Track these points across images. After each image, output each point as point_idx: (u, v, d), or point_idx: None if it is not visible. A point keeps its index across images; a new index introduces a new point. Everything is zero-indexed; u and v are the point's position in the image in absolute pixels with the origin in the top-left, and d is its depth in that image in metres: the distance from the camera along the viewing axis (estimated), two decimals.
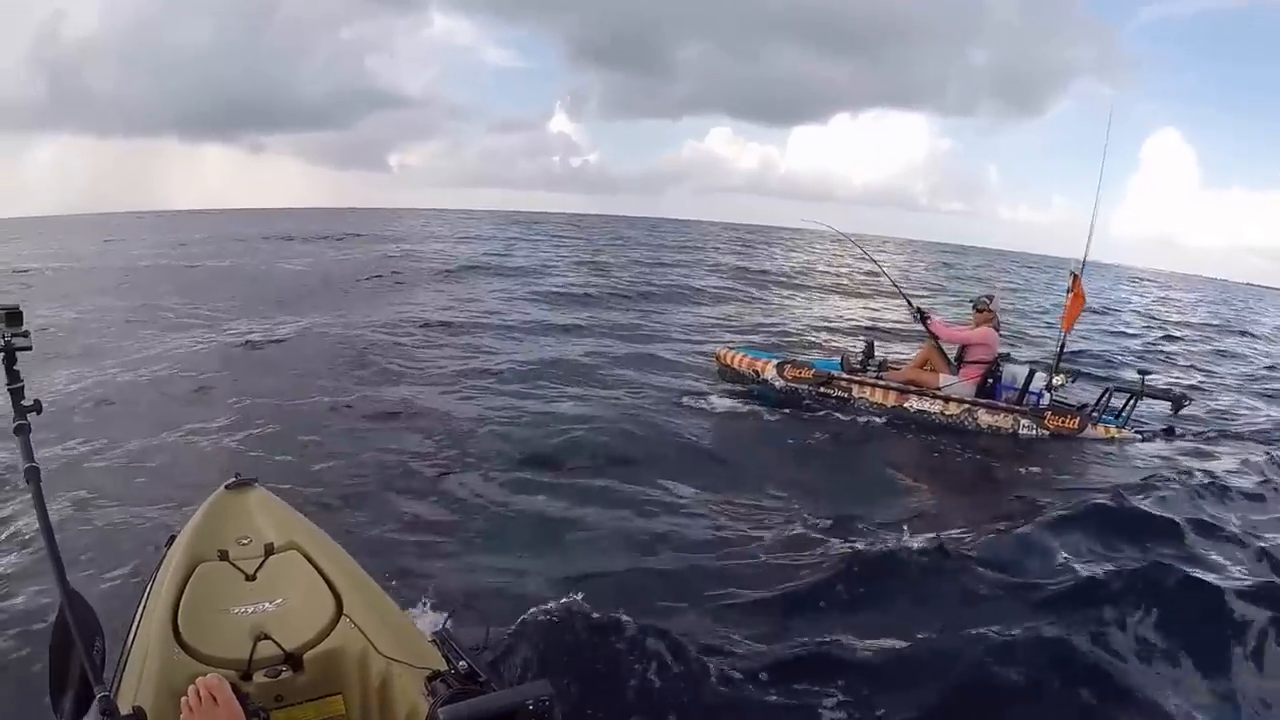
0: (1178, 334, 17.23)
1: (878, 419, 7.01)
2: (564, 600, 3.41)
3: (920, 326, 7.17)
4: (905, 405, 6.97)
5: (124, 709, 1.43)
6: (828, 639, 3.33)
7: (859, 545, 4.24)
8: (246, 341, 9.60)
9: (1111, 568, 4.00)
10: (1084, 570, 4.01)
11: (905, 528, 4.51)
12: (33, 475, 1.62)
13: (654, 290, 16.59)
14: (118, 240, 30.70)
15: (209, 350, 9.19)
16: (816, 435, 6.66)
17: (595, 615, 3.27)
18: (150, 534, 3.88)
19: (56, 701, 1.81)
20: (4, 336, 1.69)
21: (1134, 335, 15.95)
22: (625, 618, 3.22)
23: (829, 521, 4.63)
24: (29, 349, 1.70)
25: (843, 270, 23.43)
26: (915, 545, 4.14)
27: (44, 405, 1.83)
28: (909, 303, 7.41)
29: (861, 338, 8.93)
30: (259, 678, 1.79)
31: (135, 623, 2.03)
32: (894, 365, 7.60)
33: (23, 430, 1.68)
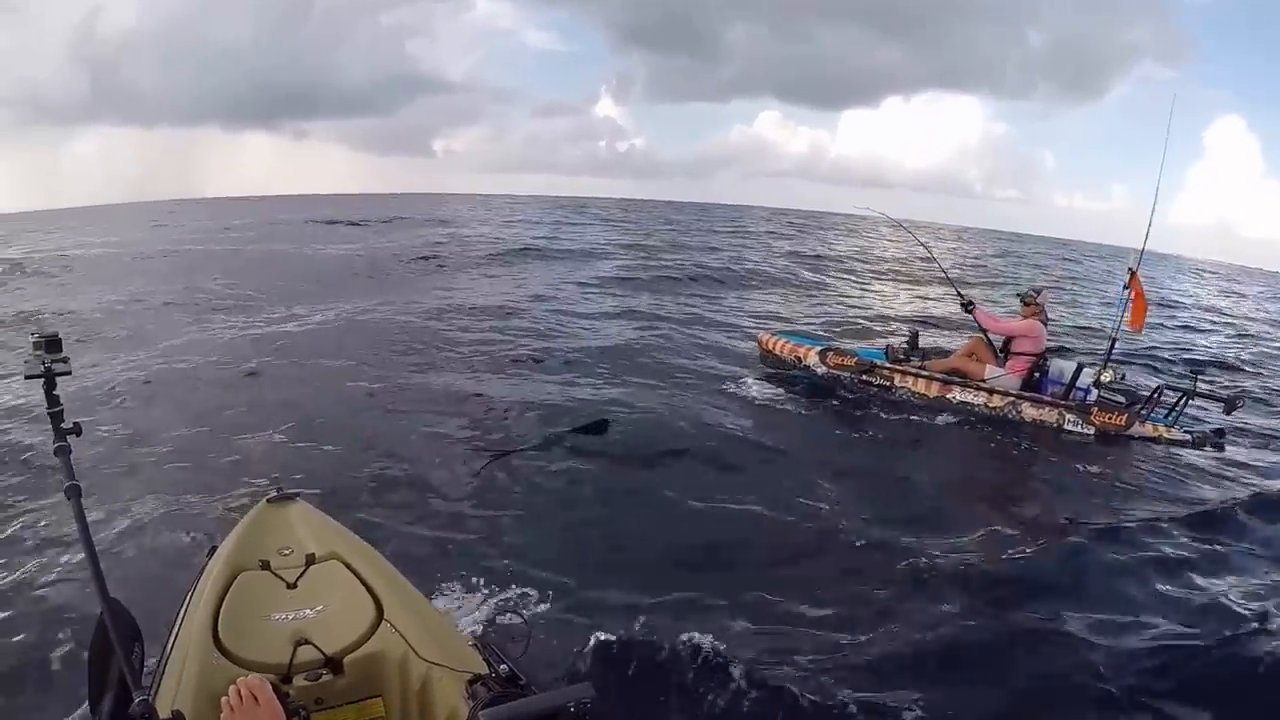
0: (1250, 330, 16.44)
1: (920, 409, 6.95)
2: (605, 602, 3.45)
3: (969, 317, 7.11)
4: (948, 396, 6.92)
5: (163, 713, 1.45)
6: (863, 639, 3.31)
7: (897, 544, 4.23)
8: (290, 328, 9.76)
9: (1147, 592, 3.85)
10: (1133, 592, 3.86)
11: (947, 527, 4.48)
12: (74, 493, 1.66)
13: (703, 275, 16.58)
14: (161, 227, 31.37)
15: (253, 337, 9.30)
16: (856, 425, 6.64)
17: (637, 617, 3.29)
18: (189, 542, 3.98)
19: (95, 705, 1.84)
20: (44, 363, 1.73)
21: (1202, 332, 15.30)
22: (667, 620, 3.25)
23: (866, 518, 4.59)
24: (68, 374, 1.75)
25: (895, 258, 23.00)
26: (956, 547, 4.11)
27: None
28: (958, 292, 7.34)
29: (906, 327, 8.85)
30: (299, 681, 1.82)
31: (175, 629, 2.09)
32: (939, 355, 7.55)
33: (63, 451, 1.72)
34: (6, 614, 3.41)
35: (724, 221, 40.20)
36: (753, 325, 10.79)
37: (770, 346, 8.05)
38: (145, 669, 1.85)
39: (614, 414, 6.20)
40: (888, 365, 7.19)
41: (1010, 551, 4.23)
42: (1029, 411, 6.65)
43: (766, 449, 5.89)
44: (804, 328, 10.79)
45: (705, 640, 3.09)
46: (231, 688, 1.52)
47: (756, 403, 7.12)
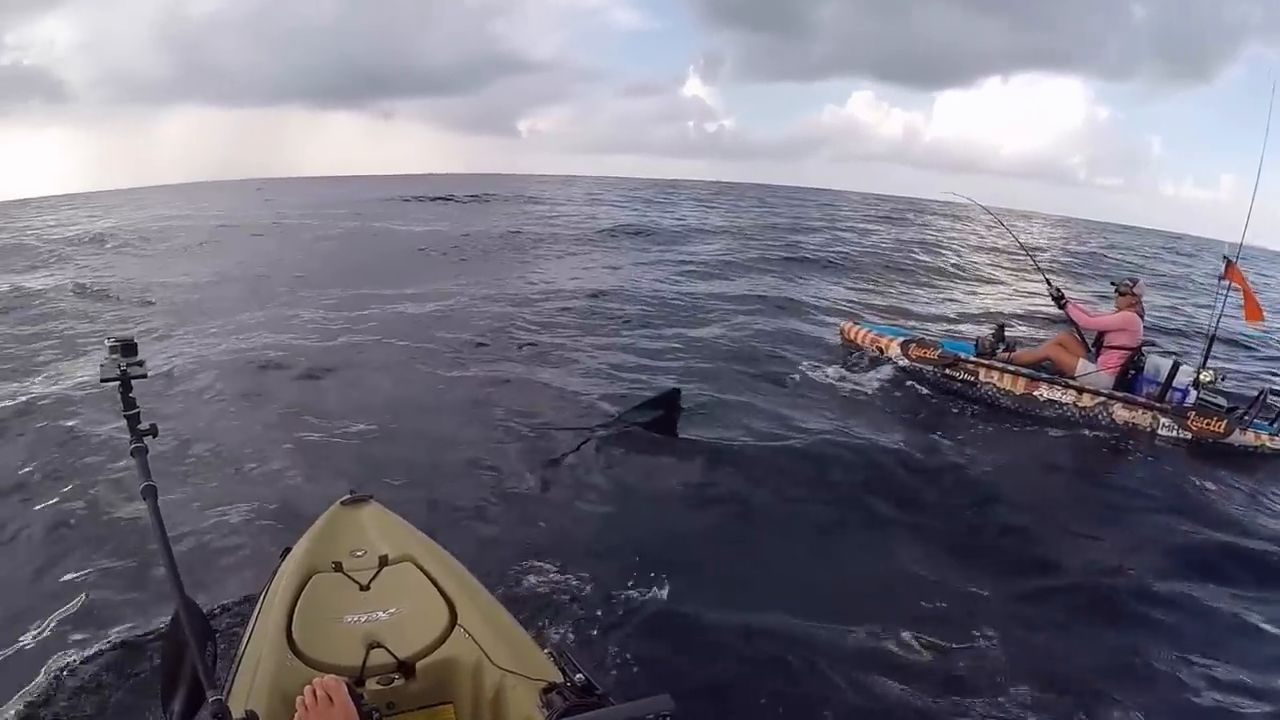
0: None
1: (1005, 407, 6.81)
2: (688, 613, 3.36)
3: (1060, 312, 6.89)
4: (1035, 394, 6.75)
5: (236, 713, 1.45)
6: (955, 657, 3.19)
7: (975, 555, 4.09)
8: (377, 310, 9.77)
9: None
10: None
11: (1026, 538, 4.37)
12: (150, 493, 1.67)
13: (797, 259, 16.35)
14: (253, 204, 32.00)
15: (338, 320, 9.30)
16: (937, 423, 6.52)
17: (720, 627, 3.21)
18: (263, 543, 3.93)
19: (167, 703, 1.86)
20: (120, 367, 1.76)
21: None
22: (756, 628, 3.19)
23: (942, 525, 4.49)
24: (144, 377, 1.78)
25: (994, 247, 22.01)
26: (1033, 562, 4.02)
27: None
28: (1048, 282, 7.07)
29: (992, 321, 8.64)
30: (371, 684, 1.81)
31: (249, 630, 2.08)
32: (1026, 346, 7.36)
33: (140, 452, 1.74)
34: (82, 613, 3.43)
35: (816, 205, 39.20)
36: (842, 312, 10.72)
37: (852, 335, 8.06)
38: (217, 669, 1.86)
39: (695, 400, 6.23)
40: (972, 359, 7.08)
41: (1086, 574, 4.05)
42: (1120, 413, 6.39)
43: (843, 444, 5.79)
44: (895, 318, 10.62)
45: (789, 651, 3.05)
46: (307, 688, 1.52)
47: (836, 394, 7.10)
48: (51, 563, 3.89)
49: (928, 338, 7.73)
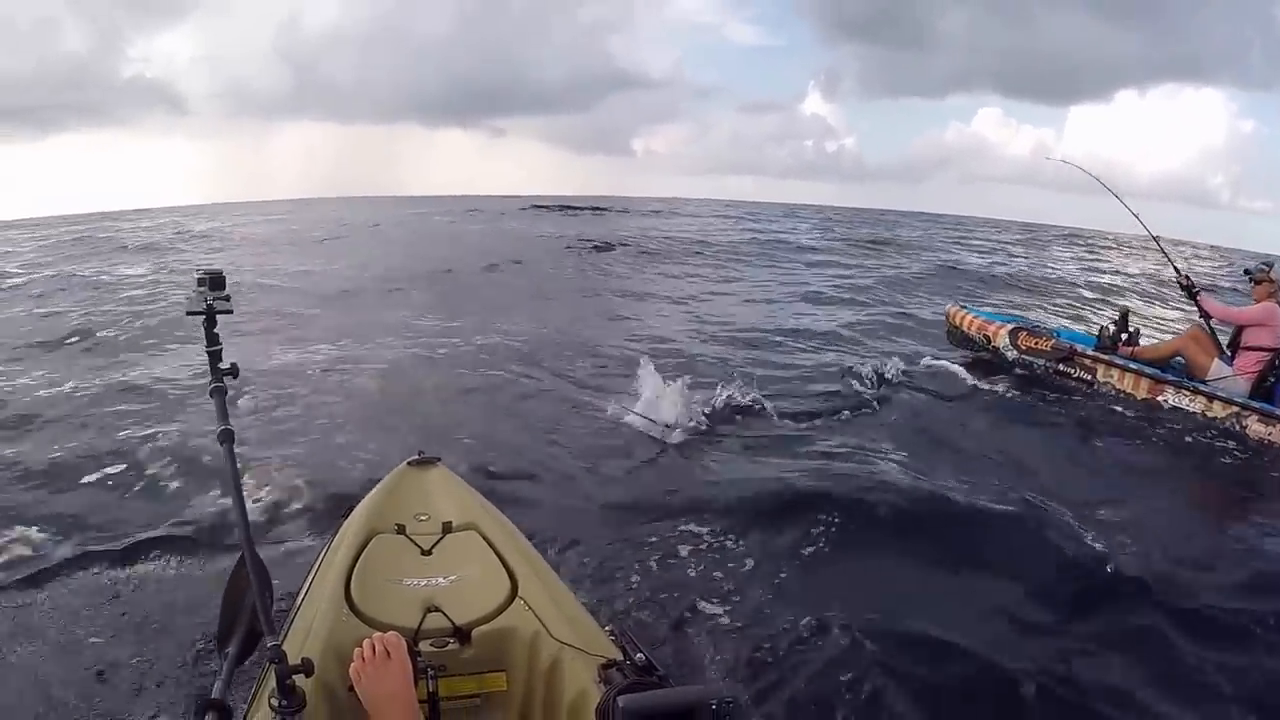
0: None
1: (1124, 412, 6.12)
2: (755, 599, 3.29)
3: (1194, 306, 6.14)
4: (1160, 399, 6.10)
5: (291, 660, 1.46)
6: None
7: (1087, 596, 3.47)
8: (489, 331, 9.58)
9: None
10: None
11: (1143, 577, 3.60)
12: (226, 437, 1.63)
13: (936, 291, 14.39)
14: (360, 222, 32.21)
15: (443, 326, 9.31)
16: (1041, 425, 5.91)
17: (789, 619, 3.10)
18: (328, 501, 3.99)
19: (223, 643, 1.89)
20: (206, 300, 1.71)
21: None
22: (828, 623, 3.05)
23: (1042, 561, 3.78)
24: (230, 312, 1.73)
25: (1139, 278, 20.12)
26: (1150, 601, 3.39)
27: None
28: (1177, 271, 6.34)
29: (1116, 307, 7.86)
30: (425, 646, 1.81)
31: (307, 583, 2.12)
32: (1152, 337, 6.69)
33: (219, 392, 1.69)
34: (153, 549, 3.62)
35: (949, 232, 36.49)
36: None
37: (958, 320, 7.56)
38: (273, 618, 1.91)
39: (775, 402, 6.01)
40: (1089, 354, 6.49)
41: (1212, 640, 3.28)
42: (1256, 427, 5.63)
43: (931, 443, 5.38)
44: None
45: (867, 647, 2.90)
46: (366, 641, 1.53)
47: (925, 386, 6.69)
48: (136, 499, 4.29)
49: (1040, 326, 7.18)
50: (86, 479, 4.57)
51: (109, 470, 4.68)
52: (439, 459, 2.82)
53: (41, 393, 6.34)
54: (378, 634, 1.55)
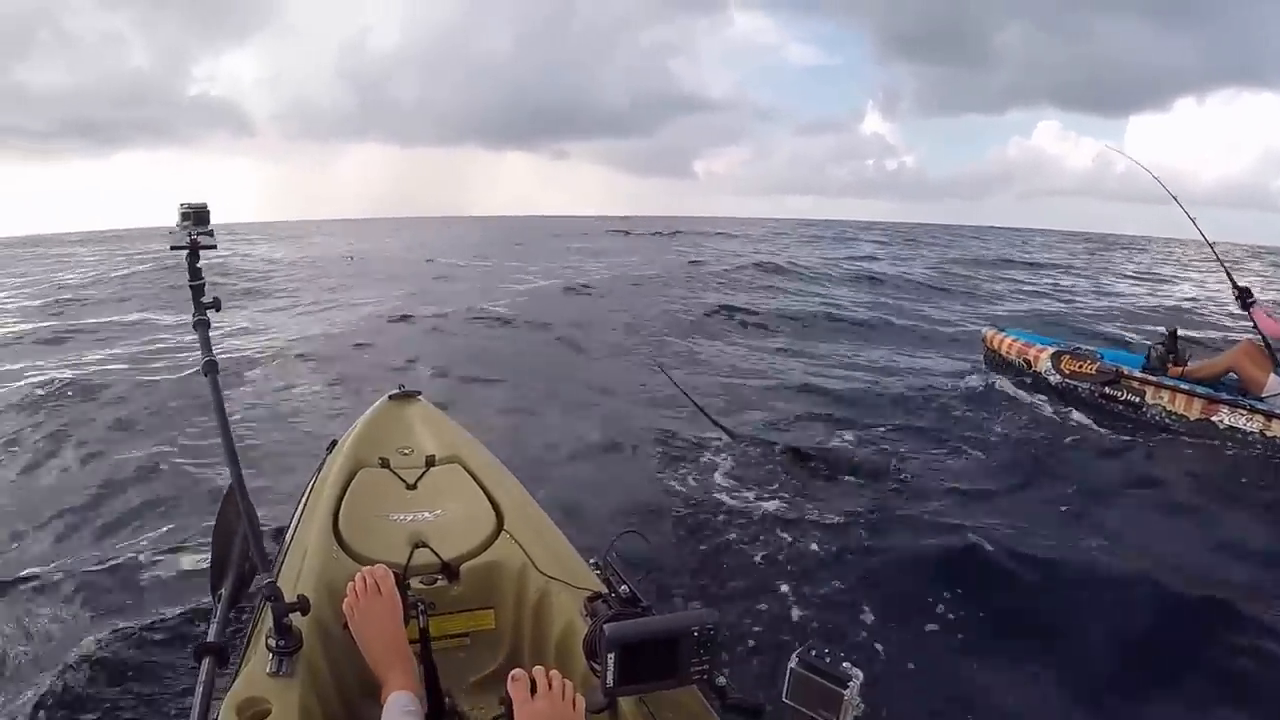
0: None
1: (1176, 432, 5.80)
2: (724, 543, 3.45)
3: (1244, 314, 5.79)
4: (1213, 419, 5.74)
5: (286, 599, 1.48)
6: None
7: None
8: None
9: None
10: None
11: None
12: (211, 368, 1.65)
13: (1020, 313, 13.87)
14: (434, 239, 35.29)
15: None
16: (1085, 455, 5.52)
17: (768, 550, 3.27)
18: (311, 432, 4.19)
19: (216, 582, 1.93)
20: (190, 235, 1.71)
21: None
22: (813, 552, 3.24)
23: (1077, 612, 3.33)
24: (213, 247, 1.75)
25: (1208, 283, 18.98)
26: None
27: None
28: (1232, 281, 5.96)
29: (1163, 325, 7.45)
30: (414, 584, 1.83)
31: (295, 520, 2.12)
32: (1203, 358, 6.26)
33: (202, 325, 1.71)
34: (140, 483, 3.90)
35: (1011, 246, 35.30)
36: None
37: (995, 345, 7.34)
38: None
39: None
40: (1136, 375, 6.18)
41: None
42: None
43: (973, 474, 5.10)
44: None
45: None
46: (358, 575, 1.55)
47: (958, 412, 6.45)
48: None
49: (1083, 348, 6.86)
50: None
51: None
52: (419, 393, 2.84)
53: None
54: (367, 568, 1.56)
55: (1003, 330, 7.55)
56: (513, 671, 1.25)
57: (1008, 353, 7.17)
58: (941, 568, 3.50)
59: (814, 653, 1.30)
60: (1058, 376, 6.64)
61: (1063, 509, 4.45)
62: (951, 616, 3.16)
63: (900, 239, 37.20)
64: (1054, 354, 6.73)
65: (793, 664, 1.30)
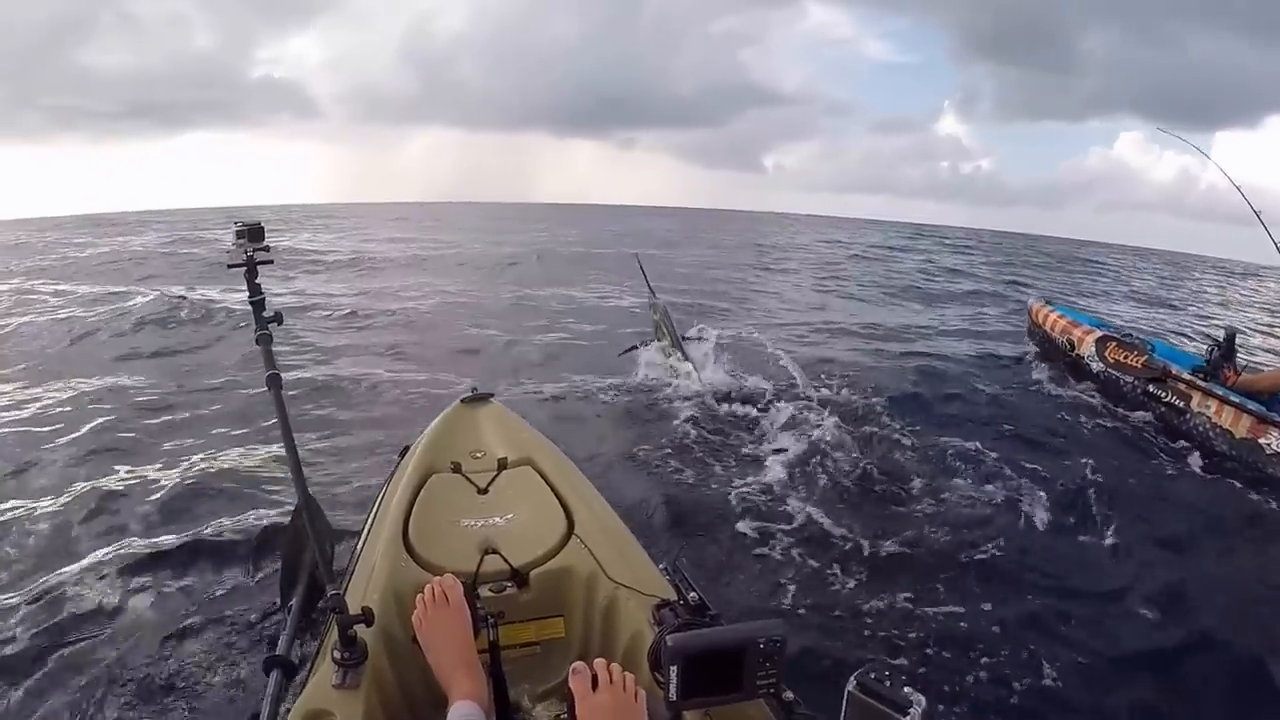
0: None
1: (1218, 450, 5.20)
2: (809, 549, 3.33)
3: None
4: (1262, 441, 5.14)
5: (352, 609, 1.50)
6: None
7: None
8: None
9: None
10: None
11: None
12: (274, 382, 1.65)
13: None
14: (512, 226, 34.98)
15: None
16: (1113, 463, 4.93)
17: (841, 564, 3.16)
18: (384, 442, 4.12)
19: (285, 595, 1.95)
20: (247, 252, 1.72)
21: None
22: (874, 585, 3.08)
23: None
24: (270, 263, 1.76)
25: None
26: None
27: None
28: None
29: (1223, 327, 6.77)
30: (484, 591, 1.82)
31: (366, 528, 2.14)
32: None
33: (265, 340, 1.72)
34: (208, 500, 3.80)
35: (1093, 265, 33.05)
36: None
37: (1041, 319, 6.76)
38: (334, 564, 1.90)
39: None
40: (1185, 377, 5.59)
41: None
42: None
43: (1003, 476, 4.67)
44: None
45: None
46: (427, 586, 1.53)
47: (992, 396, 6.06)
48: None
49: (1134, 337, 6.22)
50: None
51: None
52: (492, 395, 2.81)
53: None
54: (438, 578, 1.55)
55: (1050, 304, 6.96)
56: (574, 664, 1.25)
57: (1052, 329, 6.61)
58: (1001, 598, 3.30)
59: (873, 675, 1.21)
60: (1100, 364, 6.08)
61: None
62: (1026, 654, 2.93)
63: (989, 248, 34.88)
64: (1100, 338, 6.16)
65: (850, 686, 1.21)
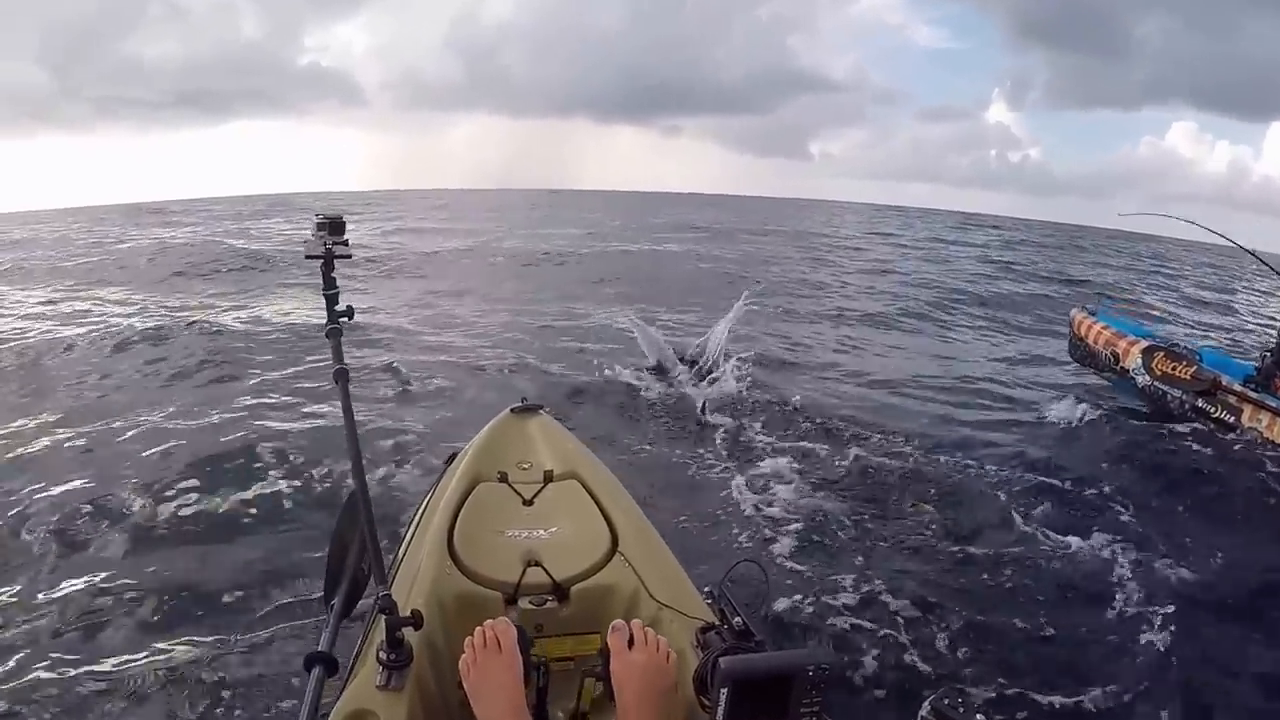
0: None
1: (1270, 467, 4.89)
2: (854, 579, 3.29)
3: None
4: None
5: (400, 612, 1.49)
6: None
7: None
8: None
9: None
10: None
11: None
12: (341, 377, 1.64)
13: None
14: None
15: None
16: (1157, 483, 4.71)
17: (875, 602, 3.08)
18: (433, 446, 4.20)
19: (330, 592, 1.91)
20: (325, 244, 1.71)
21: None
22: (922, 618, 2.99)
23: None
24: (349, 257, 1.76)
25: None
26: None
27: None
28: None
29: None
30: (524, 603, 1.81)
31: (411, 532, 2.14)
32: None
33: (335, 334, 1.71)
34: (266, 487, 3.98)
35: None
36: None
37: (1083, 331, 6.51)
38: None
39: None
40: (1235, 388, 5.37)
41: None
42: None
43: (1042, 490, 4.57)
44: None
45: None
46: (478, 629, 1.48)
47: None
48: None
49: (1181, 347, 6.01)
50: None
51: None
52: (542, 406, 2.82)
53: None
54: (490, 621, 1.49)
55: (1093, 315, 6.68)
56: (614, 621, 1.31)
57: (1095, 341, 6.39)
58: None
59: (946, 701, 1.23)
60: (1146, 377, 5.85)
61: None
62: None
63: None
64: (1147, 349, 5.90)
65: (924, 712, 1.22)
